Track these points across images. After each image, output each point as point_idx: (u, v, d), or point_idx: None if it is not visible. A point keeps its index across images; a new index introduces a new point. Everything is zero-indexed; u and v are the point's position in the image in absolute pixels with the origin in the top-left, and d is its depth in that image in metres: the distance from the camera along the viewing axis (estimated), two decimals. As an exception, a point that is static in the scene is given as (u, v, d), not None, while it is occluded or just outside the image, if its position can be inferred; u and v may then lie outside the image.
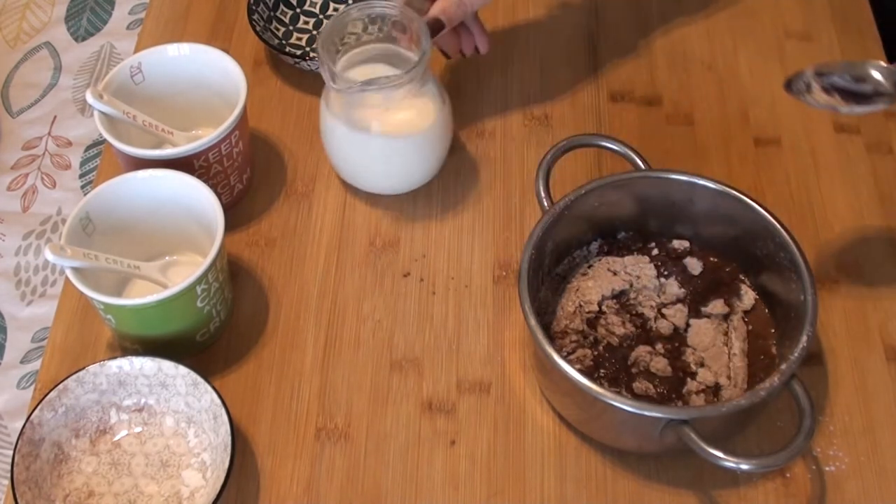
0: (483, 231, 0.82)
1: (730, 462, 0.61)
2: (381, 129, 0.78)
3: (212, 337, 0.75)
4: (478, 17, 0.84)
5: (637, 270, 0.74)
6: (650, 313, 0.72)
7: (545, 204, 0.72)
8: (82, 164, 1.47)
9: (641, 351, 0.70)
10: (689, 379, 0.69)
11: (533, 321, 0.66)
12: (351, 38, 0.79)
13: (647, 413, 0.63)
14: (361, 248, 0.81)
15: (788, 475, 0.69)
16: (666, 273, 0.74)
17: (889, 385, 0.73)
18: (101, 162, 0.90)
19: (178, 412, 0.71)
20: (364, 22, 0.78)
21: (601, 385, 0.64)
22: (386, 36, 0.79)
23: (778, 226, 0.69)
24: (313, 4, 0.96)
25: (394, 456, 0.71)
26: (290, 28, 0.95)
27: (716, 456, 0.61)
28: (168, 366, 0.70)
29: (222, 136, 0.77)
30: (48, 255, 0.67)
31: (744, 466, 0.61)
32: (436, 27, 0.77)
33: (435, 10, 0.78)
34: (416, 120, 0.79)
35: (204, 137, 0.76)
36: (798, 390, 0.63)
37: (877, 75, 0.69)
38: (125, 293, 0.77)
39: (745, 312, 0.73)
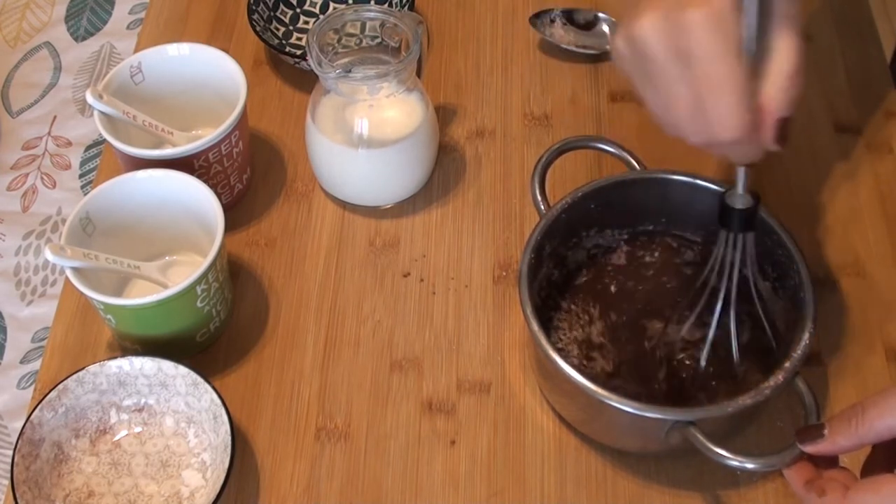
0: (483, 231, 0.82)
1: (735, 461, 0.61)
2: (367, 132, 0.78)
3: (212, 337, 0.75)
4: None
5: (637, 272, 0.74)
6: (651, 315, 0.72)
7: (541, 208, 0.72)
8: (82, 164, 1.47)
9: (644, 353, 0.70)
10: (693, 378, 0.69)
11: (535, 326, 0.66)
12: (351, 40, 0.79)
13: (653, 415, 0.63)
14: (361, 248, 0.81)
15: (788, 475, 0.69)
16: (666, 273, 0.74)
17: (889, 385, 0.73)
18: (101, 162, 0.90)
19: (178, 412, 0.71)
20: (360, 26, 0.78)
21: (605, 387, 0.63)
22: (383, 47, 0.78)
23: (778, 226, 0.69)
24: (313, 4, 0.96)
25: (394, 456, 0.71)
26: (290, 28, 0.95)
27: (722, 455, 0.61)
28: (168, 366, 0.70)
29: (222, 136, 0.77)
30: (48, 255, 0.67)
31: (749, 465, 0.61)
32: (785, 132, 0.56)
33: (780, 105, 0.55)
34: (402, 119, 0.79)
35: (204, 137, 0.76)
36: (802, 387, 0.63)
37: (604, 28, 0.91)
38: (125, 293, 0.77)
39: (749, 312, 0.72)
